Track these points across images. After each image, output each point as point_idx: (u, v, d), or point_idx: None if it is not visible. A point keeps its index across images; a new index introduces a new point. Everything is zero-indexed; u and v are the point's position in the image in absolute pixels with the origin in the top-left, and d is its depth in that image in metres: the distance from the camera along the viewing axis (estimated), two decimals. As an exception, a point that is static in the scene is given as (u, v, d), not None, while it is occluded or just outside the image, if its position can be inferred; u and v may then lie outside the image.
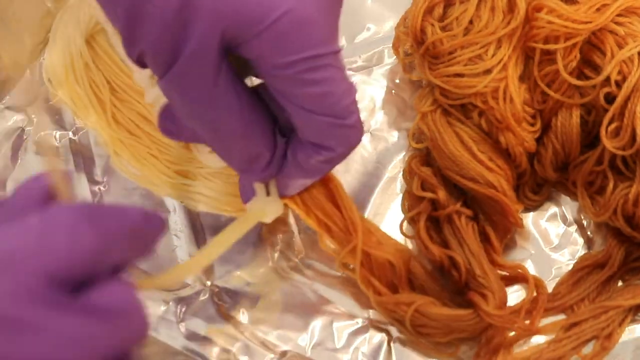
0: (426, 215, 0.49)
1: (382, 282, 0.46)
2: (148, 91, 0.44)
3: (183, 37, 0.34)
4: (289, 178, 0.42)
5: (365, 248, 0.45)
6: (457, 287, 0.48)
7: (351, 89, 0.37)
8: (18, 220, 0.25)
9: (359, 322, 0.48)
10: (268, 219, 0.43)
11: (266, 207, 0.42)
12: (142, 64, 0.36)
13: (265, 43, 0.34)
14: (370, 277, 0.46)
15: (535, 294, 0.48)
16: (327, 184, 0.44)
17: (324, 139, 0.38)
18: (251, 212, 0.42)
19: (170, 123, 0.41)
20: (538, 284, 0.49)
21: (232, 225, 0.40)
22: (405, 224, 0.50)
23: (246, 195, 0.43)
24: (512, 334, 0.48)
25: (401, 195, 0.51)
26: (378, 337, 0.48)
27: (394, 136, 0.53)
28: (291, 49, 0.35)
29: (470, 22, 0.48)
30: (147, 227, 0.28)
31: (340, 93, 0.37)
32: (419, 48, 0.50)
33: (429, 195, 0.49)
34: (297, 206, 0.43)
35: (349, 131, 0.38)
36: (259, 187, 0.42)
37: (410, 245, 0.50)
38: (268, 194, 0.42)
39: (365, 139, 0.53)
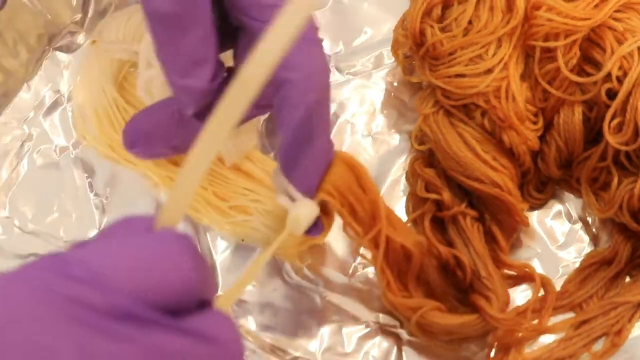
0: (430, 215, 0.49)
1: (394, 273, 0.46)
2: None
3: None
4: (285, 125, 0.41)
5: (388, 233, 0.44)
6: (460, 286, 0.48)
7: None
8: (131, 236, 0.26)
9: (368, 327, 0.48)
10: (306, 222, 0.42)
11: (300, 212, 0.41)
12: None
13: None
14: (385, 268, 0.45)
15: (542, 292, 0.48)
16: (354, 169, 0.43)
17: (288, 55, 0.38)
18: (290, 224, 0.41)
19: (137, 136, 0.42)
20: (546, 283, 0.49)
21: (275, 242, 0.41)
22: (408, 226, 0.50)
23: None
24: (521, 333, 0.48)
25: (405, 198, 0.51)
26: (388, 341, 0.48)
27: (395, 139, 0.53)
28: None
29: (470, 22, 0.48)
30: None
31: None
32: (419, 50, 0.49)
33: (433, 196, 0.49)
34: (332, 197, 0.42)
35: (313, 49, 0.39)
36: (281, 198, 0.41)
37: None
38: (292, 200, 0.41)
39: (367, 142, 0.53)
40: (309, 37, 0.39)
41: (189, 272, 0.25)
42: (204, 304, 0.27)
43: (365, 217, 0.44)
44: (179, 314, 0.26)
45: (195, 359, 0.25)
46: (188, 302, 0.26)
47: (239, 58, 0.42)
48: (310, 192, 0.42)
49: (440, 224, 0.49)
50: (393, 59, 0.54)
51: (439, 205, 0.49)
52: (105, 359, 0.23)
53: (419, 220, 0.49)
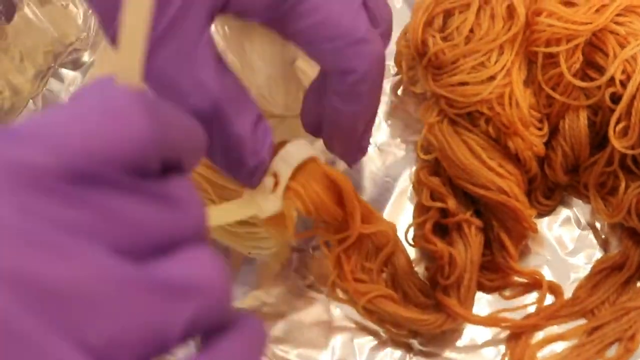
0: (433, 221, 0.49)
1: (350, 262, 0.46)
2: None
3: None
4: (335, 130, 0.42)
5: (361, 231, 0.44)
6: (430, 285, 0.48)
7: (349, 4, 0.38)
8: (86, 96, 0.23)
9: (380, 337, 0.48)
10: (263, 215, 0.41)
11: (264, 204, 0.41)
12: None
13: None
14: (343, 259, 0.45)
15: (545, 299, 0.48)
16: (334, 187, 0.43)
17: (341, 62, 0.38)
18: (246, 204, 0.41)
19: None
20: (555, 290, 0.49)
21: (225, 206, 0.40)
22: (410, 232, 0.50)
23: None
24: (534, 341, 0.48)
25: (412, 208, 0.51)
26: (399, 351, 0.47)
27: (401, 149, 0.53)
28: None
29: (471, 30, 0.49)
30: (198, 130, 0.26)
31: (339, 13, 0.38)
32: (422, 60, 0.50)
33: (438, 204, 0.49)
34: (301, 204, 0.41)
35: (361, 46, 0.39)
36: (268, 180, 0.41)
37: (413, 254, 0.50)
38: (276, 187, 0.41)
39: (373, 154, 0.53)
40: (354, 38, 0.39)
41: (143, 129, 0.22)
42: (173, 170, 0.24)
43: (337, 225, 0.44)
44: (142, 177, 0.23)
45: (157, 224, 0.22)
46: (148, 164, 0.23)
47: None
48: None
49: (442, 231, 0.49)
50: (396, 71, 0.55)
51: (444, 213, 0.49)
52: (56, 224, 0.21)
53: (422, 225, 0.49)
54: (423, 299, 0.47)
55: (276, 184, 0.40)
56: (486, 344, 0.48)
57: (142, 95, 0.23)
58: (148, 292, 0.21)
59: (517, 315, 0.48)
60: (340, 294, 0.47)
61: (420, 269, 0.49)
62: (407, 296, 0.47)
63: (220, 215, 0.40)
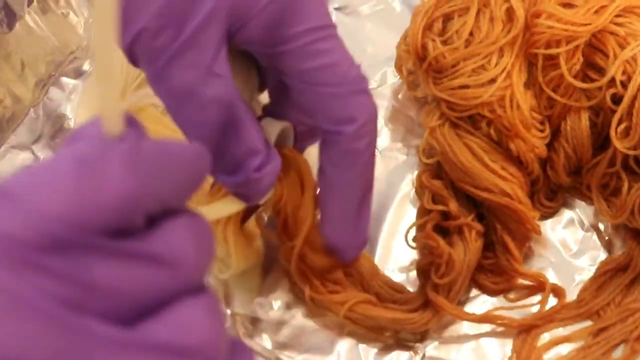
0: (434, 222, 0.49)
1: (316, 274, 0.46)
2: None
3: (190, 9, 0.34)
4: (331, 209, 0.42)
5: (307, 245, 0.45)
6: (419, 278, 0.48)
7: (353, 60, 0.39)
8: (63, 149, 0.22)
9: (385, 341, 0.48)
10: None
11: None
12: (133, 55, 0.35)
13: (272, 14, 0.35)
14: (308, 272, 0.46)
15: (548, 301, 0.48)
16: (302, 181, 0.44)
17: (343, 109, 0.38)
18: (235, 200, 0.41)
19: None
20: (558, 292, 0.49)
21: (216, 205, 0.40)
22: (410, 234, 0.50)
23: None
24: (540, 344, 0.47)
25: (415, 212, 0.51)
26: (405, 355, 0.47)
27: (403, 154, 0.53)
28: (297, 21, 0.36)
29: (471, 34, 0.49)
30: (196, 160, 0.24)
31: (348, 62, 0.38)
32: (422, 64, 0.50)
33: (440, 207, 0.49)
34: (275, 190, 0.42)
35: (365, 98, 0.39)
36: None
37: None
38: None
39: (376, 158, 0.52)
40: (358, 87, 0.39)
41: (121, 186, 0.21)
42: (161, 217, 0.23)
43: (292, 227, 0.44)
44: (125, 235, 0.22)
45: (142, 287, 0.21)
46: (130, 221, 0.22)
47: (278, 103, 0.42)
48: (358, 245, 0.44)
49: (442, 233, 0.49)
50: (397, 76, 0.55)
51: (446, 215, 0.49)
52: (38, 295, 0.20)
53: (423, 226, 0.49)
54: (398, 296, 0.47)
55: None
56: (493, 347, 0.48)
57: (123, 143, 0.22)
58: (138, 357, 0.21)
59: (516, 315, 0.48)
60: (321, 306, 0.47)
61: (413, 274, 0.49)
62: (381, 296, 0.47)
63: (211, 213, 0.40)
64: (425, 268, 0.48)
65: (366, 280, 0.47)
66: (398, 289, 0.48)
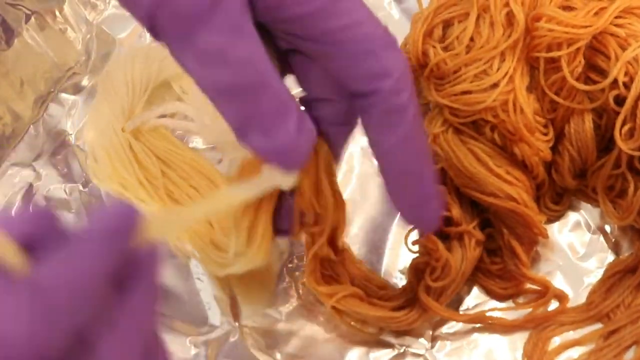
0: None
1: (323, 264, 0.46)
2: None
3: None
4: (393, 176, 0.40)
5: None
6: (411, 276, 0.48)
7: (378, 20, 0.38)
8: None
9: (396, 350, 0.47)
10: (285, 187, 0.40)
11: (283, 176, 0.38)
12: (153, 23, 0.34)
13: None
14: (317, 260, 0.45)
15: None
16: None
17: (376, 64, 0.37)
18: (267, 178, 0.38)
19: None
20: (561, 297, 0.49)
21: (243, 186, 0.38)
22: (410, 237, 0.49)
23: None
24: (551, 348, 0.47)
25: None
26: (416, 363, 0.47)
27: (407, 161, 0.53)
28: None
29: (471, 39, 0.49)
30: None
31: (373, 20, 0.37)
32: (423, 71, 0.50)
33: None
34: (306, 175, 0.40)
35: (397, 52, 0.38)
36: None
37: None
38: None
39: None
40: (388, 41, 0.38)
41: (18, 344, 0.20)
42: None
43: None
44: None
45: None
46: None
47: (303, 82, 0.40)
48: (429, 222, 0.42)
49: (442, 238, 0.48)
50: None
51: (448, 220, 0.49)
52: None
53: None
54: (382, 292, 0.48)
55: None
56: (503, 352, 0.47)
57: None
58: None
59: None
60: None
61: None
62: (368, 291, 0.47)
63: (239, 194, 0.38)
64: (420, 267, 0.48)
65: (356, 279, 0.47)
66: (382, 285, 0.48)
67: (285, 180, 0.38)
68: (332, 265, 0.46)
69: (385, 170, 0.40)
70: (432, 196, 0.41)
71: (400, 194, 0.40)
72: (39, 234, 0.23)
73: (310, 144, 0.38)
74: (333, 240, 0.44)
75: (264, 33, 0.37)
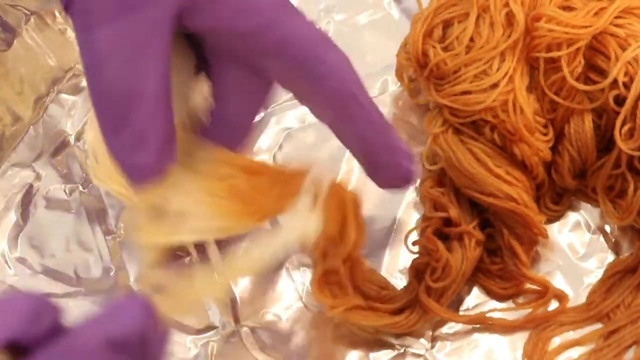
0: (434, 227, 0.48)
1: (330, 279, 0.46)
2: None
3: None
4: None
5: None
6: (411, 276, 0.48)
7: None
8: None
9: (396, 350, 0.47)
10: (305, 239, 0.39)
11: (305, 226, 0.38)
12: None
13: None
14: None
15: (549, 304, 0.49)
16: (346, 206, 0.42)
17: (311, 50, 0.36)
18: (290, 231, 0.38)
19: None
20: (561, 297, 0.49)
21: (267, 245, 0.37)
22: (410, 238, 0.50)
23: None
24: (551, 348, 0.47)
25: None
26: (416, 363, 0.47)
27: (407, 162, 0.53)
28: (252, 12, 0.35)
29: (471, 39, 0.49)
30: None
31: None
32: (423, 71, 0.50)
33: (440, 214, 0.49)
34: (330, 212, 0.40)
35: (331, 43, 0.37)
36: (305, 200, 0.38)
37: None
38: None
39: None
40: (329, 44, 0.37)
41: None
42: None
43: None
44: None
45: None
46: None
47: (219, 95, 0.39)
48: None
49: (442, 238, 0.48)
50: (398, 84, 0.55)
51: (448, 221, 0.49)
52: None
53: (424, 231, 0.49)
54: (384, 293, 0.48)
55: (314, 201, 0.38)
56: (504, 352, 0.47)
57: None
58: None
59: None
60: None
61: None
62: (367, 295, 0.47)
63: (260, 257, 0.37)
64: (420, 267, 0.48)
65: (358, 281, 0.47)
66: (382, 285, 0.48)
67: (309, 232, 0.38)
68: (339, 275, 0.46)
69: (337, 132, 0.39)
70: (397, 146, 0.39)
71: (354, 146, 0.39)
72: (34, 332, 0.24)
73: (166, 168, 0.36)
74: (349, 257, 0.45)
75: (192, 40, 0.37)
